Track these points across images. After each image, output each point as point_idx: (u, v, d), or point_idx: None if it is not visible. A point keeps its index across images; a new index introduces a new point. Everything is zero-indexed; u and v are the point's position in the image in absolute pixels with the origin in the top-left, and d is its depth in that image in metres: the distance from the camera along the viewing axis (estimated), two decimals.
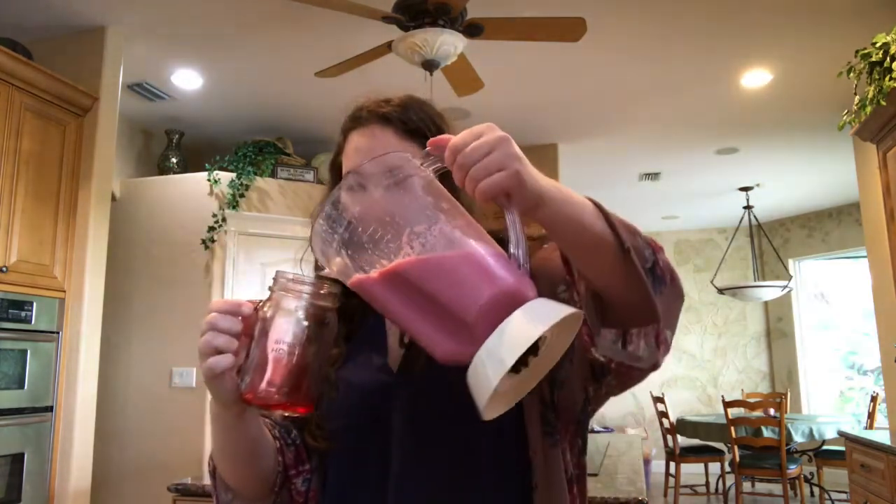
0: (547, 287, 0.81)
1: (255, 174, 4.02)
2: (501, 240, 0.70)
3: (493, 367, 0.59)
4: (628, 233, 0.70)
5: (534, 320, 0.60)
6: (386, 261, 0.65)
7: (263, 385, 0.68)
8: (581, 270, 0.72)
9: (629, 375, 0.78)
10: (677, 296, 0.74)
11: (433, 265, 0.64)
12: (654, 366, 0.75)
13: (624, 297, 0.71)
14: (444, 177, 0.69)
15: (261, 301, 0.72)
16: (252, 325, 0.70)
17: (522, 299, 0.62)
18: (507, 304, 0.62)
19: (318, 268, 0.91)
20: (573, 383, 0.84)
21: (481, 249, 0.66)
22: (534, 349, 0.64)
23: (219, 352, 0.70)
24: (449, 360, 0.64)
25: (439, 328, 0.64)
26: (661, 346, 0.73)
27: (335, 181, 0.95)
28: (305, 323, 0.69)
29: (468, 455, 0.84)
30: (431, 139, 0.69)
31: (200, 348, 0.70)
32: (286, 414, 0.71)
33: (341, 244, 0.67)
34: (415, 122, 0.91)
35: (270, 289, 0.70)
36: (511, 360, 0.58)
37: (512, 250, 0.66)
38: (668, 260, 0.74)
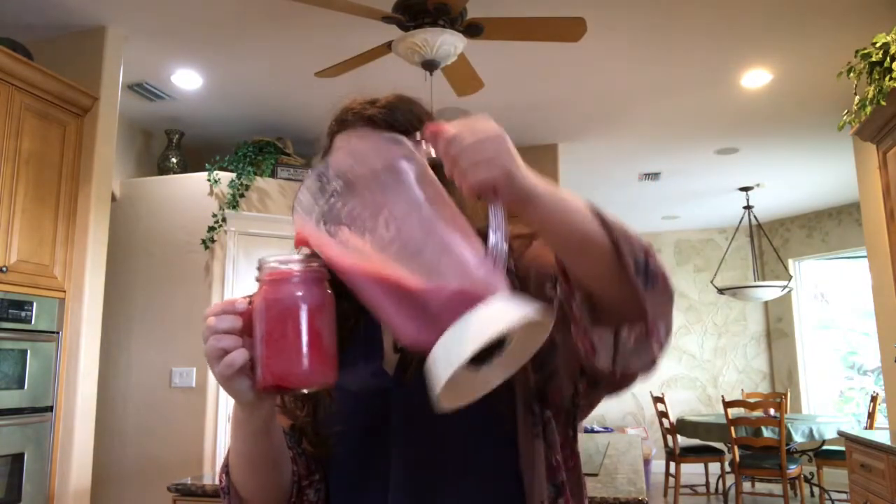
0: (535, 283, 0.82)
1: (255, 174, 4.02)
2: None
3: (446, 361, 0.58)
4: (621, 232, 0.69)
5: (494, 319, 0.59)
6: (359, 238, 0.64)
7: (278, 367, 0.67)
8: (571, 268, 0.71)
9: (626, 381, 0.78)
10: (668, 296, 0.73)
11: (403, 251, 0.63)
12: (652, 363, 0.74)
13: (614, 296, 0.70)
14: (437, 169, 0.69)
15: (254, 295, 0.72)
16: (251, 319, 0.70)
17: (489, 295, 0.61)
18: (473, 298, 0.61)
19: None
20: (561, 376, 0.84)
21: (457, 241, 0.65)
22: (499, 346, 0.63)
23: (227, 353, 0.69)
24: (412, 346, 0.64)
25: (406, 314, 0.63)
26: (652, 339, 0.72)
27: None
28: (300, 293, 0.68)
29: (467, 455, 0.83)
30: (429, 125, 0.68)
31: (208, 354, 0.69)
32: (307, 391, 0.70)
33: (321, 216, 0.66)
34: (402, 124, 0.88)
35: (258, 279, 0.70)
36: (463, 357, 0.57)
37: (491, 244, 0.65)
38: (661, 262, 0.73)
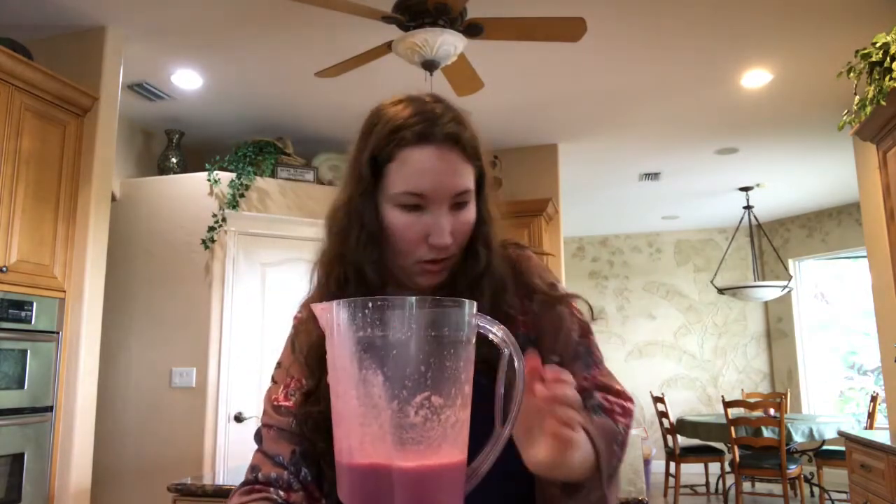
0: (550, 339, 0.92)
1: (255, 174, 4.02)
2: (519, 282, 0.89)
3: None
4: (606, 456, 0.78)
5: None
6: (382, 395, 0.58)
7: None
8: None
9: None
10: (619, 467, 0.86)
11: (416, 438, 0.59)
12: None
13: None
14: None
15: None
16: None
17: None
18: None
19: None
20: None
21: (452, 458, 0.62)
22: None
23: None
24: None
25: (359, 484, 0.62)
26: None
27: (372, 183, 0.86)
28: None
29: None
30: (530, 355, 0.67)
31: None
32: None
33: (364, 342, 0.59)
34: (473, 142, 0.88)
35: None
36: None
37: (476, 464, 0.65)
38: (626, 441, 0.86)
